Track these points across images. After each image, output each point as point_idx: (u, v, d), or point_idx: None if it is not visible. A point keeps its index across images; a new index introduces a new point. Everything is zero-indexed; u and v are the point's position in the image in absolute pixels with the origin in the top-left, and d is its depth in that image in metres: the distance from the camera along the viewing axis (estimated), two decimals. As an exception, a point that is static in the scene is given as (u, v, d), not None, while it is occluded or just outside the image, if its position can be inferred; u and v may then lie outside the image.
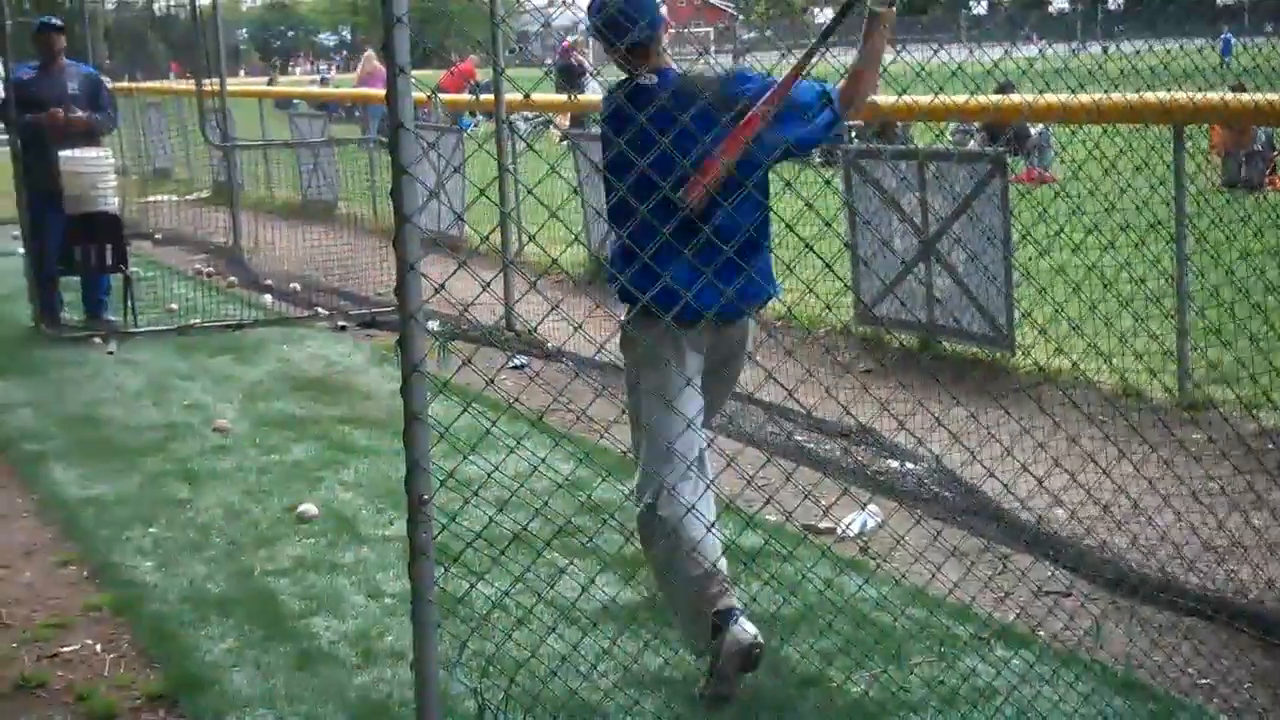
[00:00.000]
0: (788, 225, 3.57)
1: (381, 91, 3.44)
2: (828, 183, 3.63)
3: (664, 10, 4.20)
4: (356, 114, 21.83)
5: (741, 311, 4.20)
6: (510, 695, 3.89)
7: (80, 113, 9.89)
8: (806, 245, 3.41)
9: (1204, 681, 4.18)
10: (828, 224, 3.85)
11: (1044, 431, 5.33)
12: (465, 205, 11.72)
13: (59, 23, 10.18)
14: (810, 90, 4.05)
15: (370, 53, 26.52)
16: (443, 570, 3.20)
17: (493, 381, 3.20)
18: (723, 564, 4.13)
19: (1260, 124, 11.62)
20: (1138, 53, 5.56)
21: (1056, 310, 4.51)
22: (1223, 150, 14.24)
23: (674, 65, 4.20)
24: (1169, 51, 5.43)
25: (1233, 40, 18.66)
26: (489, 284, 3.35)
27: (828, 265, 3.59)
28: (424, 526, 3.08)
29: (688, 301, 3.73)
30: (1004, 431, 4.84)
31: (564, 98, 14.61)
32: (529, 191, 3.42)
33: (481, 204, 11.62)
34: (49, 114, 9.75)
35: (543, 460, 3.65)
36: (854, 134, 12.93)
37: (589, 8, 4.17)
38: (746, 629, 4.02)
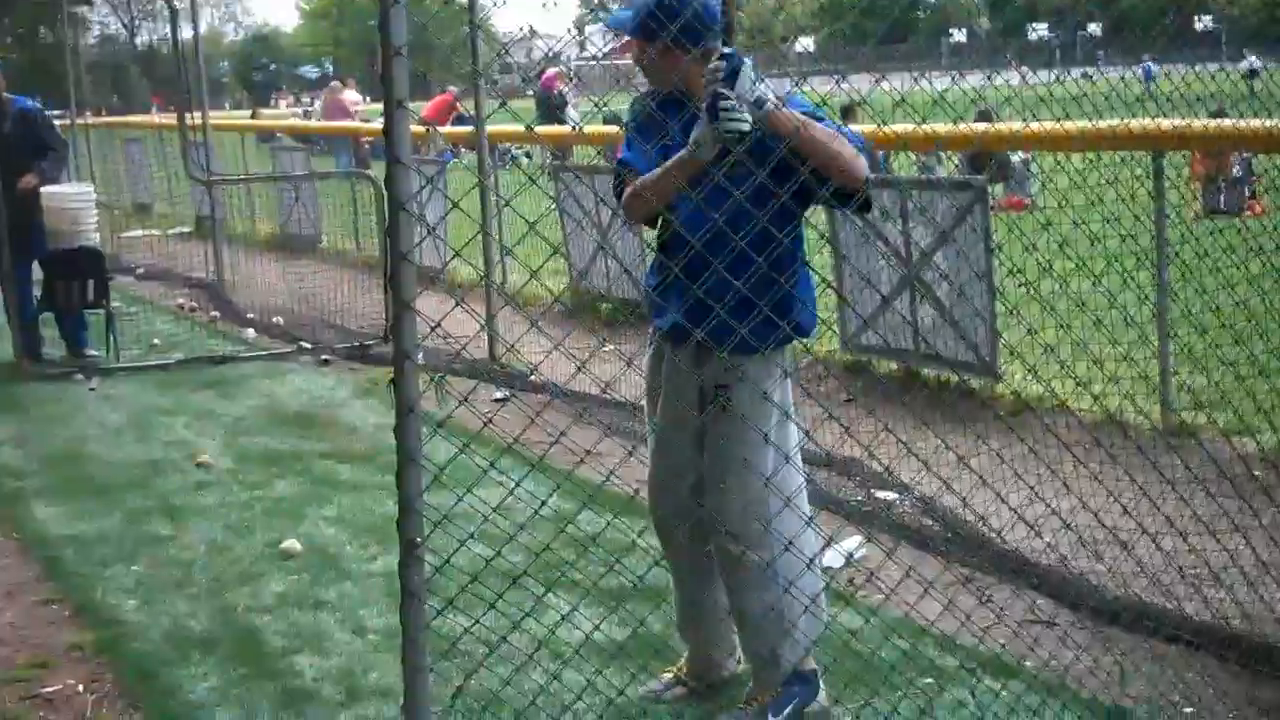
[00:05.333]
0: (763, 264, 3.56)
1: (374, 125, 3.42)
2: (804, 215, 3.61)
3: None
4: (320, 146, 21.80)
5: (721, 343, 3.78)
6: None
7: (33, 178, 9.75)
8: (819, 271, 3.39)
9: (1189, 710, 4.17)
10: (807, 264, 3.84)
11: (1025, 459, 5.33)
12: (451, 239, 11.71)
13: None
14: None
15: (334, 84, 26.54)
16: (435, 613, 3.17)
17: (491, 421, 3.18)
18: None
19: (1240, 149, 11.69)
20: (1122, 79, 5.59)
21: (1033, 333, 4.50)
22: (1203, 177, 14.31)
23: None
24: (1156, 80, 5.45)
25: (1153, 68, 18.72)
26: (487, 324, 3.33)
27: (836, 289, 3.58)
28: (416, 569, 3.04)
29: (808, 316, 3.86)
30: (986, 459, 4.82)
31: (558, 129, 14.62)
32: (531, 226, 3.40)
33: (465, 237, 11.61)
34: (22, 183, 9.65)
35: (544, 503, 3.62)
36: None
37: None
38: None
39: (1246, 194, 14.96)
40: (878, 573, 4.54)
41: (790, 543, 3.88)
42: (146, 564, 5.77)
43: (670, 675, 4.45)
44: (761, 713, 4.07)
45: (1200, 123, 6.74)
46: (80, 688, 4.64)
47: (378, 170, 3.71)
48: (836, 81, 3.86)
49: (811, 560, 3.99)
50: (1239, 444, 6.14)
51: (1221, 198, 14.52)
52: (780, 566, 3.92)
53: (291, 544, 5.88)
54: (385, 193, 2.97)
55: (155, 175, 19.19)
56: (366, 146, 21.20)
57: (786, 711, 4.08)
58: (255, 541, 6.00)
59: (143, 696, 4.54)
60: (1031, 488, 4.01)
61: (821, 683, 4.19)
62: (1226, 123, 6.96)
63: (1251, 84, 6.92)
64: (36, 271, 10.04)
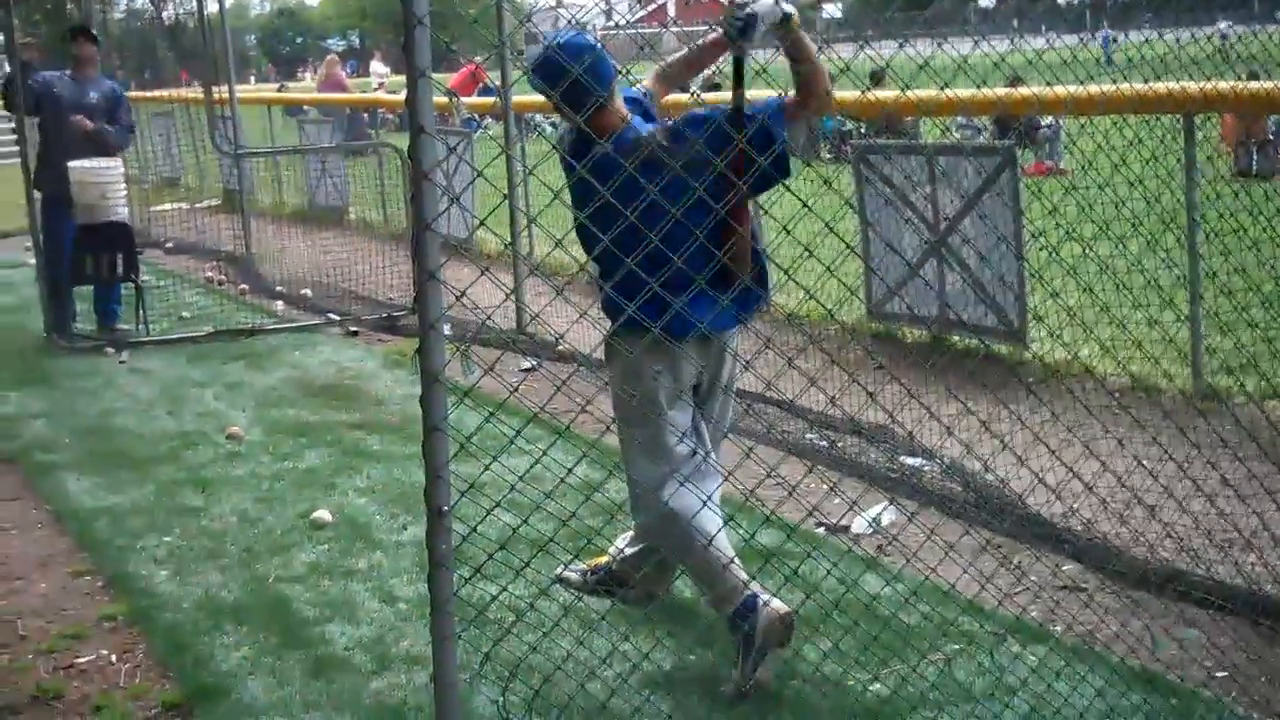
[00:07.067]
0: (785, 229, 3.55)
1: (391, 96, 3.41)
2: (828, 183, 3.60)
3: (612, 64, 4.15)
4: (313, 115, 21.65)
5: (724, 328, 4.28)
6: (534, 707, 3.88)
7: (90, 124, 9.93)
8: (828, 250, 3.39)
9: (1220, 674, 4.16)
10: (829, 227, 3.83)
11: (1058, 425, 5.31)
12: (479, 210, 11.72)
13: (91, 30, 10.23)
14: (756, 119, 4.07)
15: (332, 58, 26.53)
16: (463, 581, 3.18)
17: (516, 390, 3.18)
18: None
19: (1273, 112, 11.59)
20: (1146, 41, 5.55)
21: (1055, 300, 4.48)
22: (1233, 140, 14.19)
23: (629, 119, 4.20)
24: (1178, 41, 5.41)
25: (1110, 36, 18.51)
26: (511, 292, 3.34)
27: (832, 269, 3.57)
28: (443, 537, 3.05)
29: (676, 317, 3.80)
30: (1015, 426, 4.82)
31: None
32: (555, 195, 3.41)
33: (489, 208, 11.61)
34: (73, 121, 9.82)
35: (570, 470, 3.63)
36: (861, 128, 12.90)
37: (534, 69, 4.13)
38: (778, 605, 4.12)
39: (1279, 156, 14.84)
40: (900, 536, 4.54)
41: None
42: (178, 535, 5.81)
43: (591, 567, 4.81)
44: (739, 666, 4.15)
45: (1230, 85, 6.69)
46: (113, 658, 4.68)
47: (403, 141, 3.73)
48: (860, 46, 3.87)
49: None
50: (1270, 408, 6.12)
51: (1254, 160, 14.40)
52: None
53: (322, 514, 5.91)
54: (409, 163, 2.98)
55: (183, 149, 19.21)
56: (393, 118, 21.16)
57: (748, 666, 4.12)
58: (286, 512, 6.04)
59: (175, 666, 4.57)
60: (1053, 451, 4.00)
61: (758, 595, 4.17)
62: (1255, 85, 6.89)
63: (1223, 48, 6.87)
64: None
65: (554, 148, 4.23)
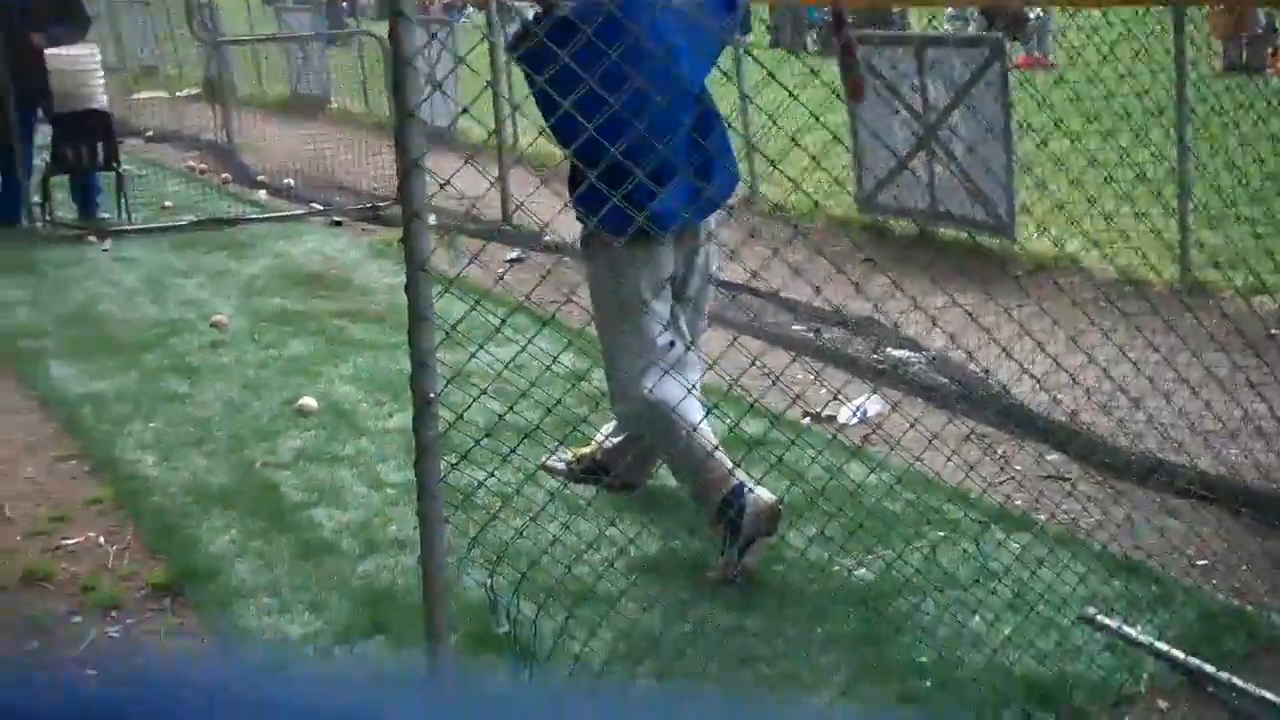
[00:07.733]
0: (771, 118, 3.53)
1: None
2: (815, 73, 3.55)
3: None
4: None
5: (706, 212, 4.33)
6: (521, 590, 3.90)
7: (37, 40, 9.66)
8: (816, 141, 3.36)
9: (1202, 563, 4.21)
10: (816, 117, 3.80)
11: (1039, 317, 5.32)
12: (463, 99, 11.58)
13: None
14: None
15: None
16: (450, 467, 3.18)
17: (502, 279, 3.17)
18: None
19: (1261, 5, 11.50)
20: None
21: (1043, 192, 4.46)
22: (1223, 35, 14.10)
23: None
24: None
25: None
26: (496, 181, 3.31)
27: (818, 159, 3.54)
28: (430, 425, 3.05)
29: (656, 210, 3.85)
30: (1005, 319, 4.82)
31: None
32: (541, 83, 3.36)
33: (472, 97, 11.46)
34: (28, 37, 9.59)
35: (555, 359, 3.63)
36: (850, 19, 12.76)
37: None
38: (764, 494, 4.15)
39: (1269, 51, 14.77)
40: (885, 426, 4.56)
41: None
42: (164, 421, 5.81)
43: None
44: (725, 553, 4.18)
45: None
46: (101, 540, 4.70)
47: (384, 29, 3.63)
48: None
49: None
50: (1257, 303, 6.13)
51: (1243, 54, 14.33)
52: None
53: (308, 401, 5.90)
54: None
55: (161, 37, 18.95)
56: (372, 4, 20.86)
57: (734, 553, 4.15)
58: (272, 399, 6.03)
59: (163, 548, 4.59)
60: (1038, 342, 4.00)
61: (744, 484, 4.20)
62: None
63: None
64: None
65: (530, 32, 4.13)
